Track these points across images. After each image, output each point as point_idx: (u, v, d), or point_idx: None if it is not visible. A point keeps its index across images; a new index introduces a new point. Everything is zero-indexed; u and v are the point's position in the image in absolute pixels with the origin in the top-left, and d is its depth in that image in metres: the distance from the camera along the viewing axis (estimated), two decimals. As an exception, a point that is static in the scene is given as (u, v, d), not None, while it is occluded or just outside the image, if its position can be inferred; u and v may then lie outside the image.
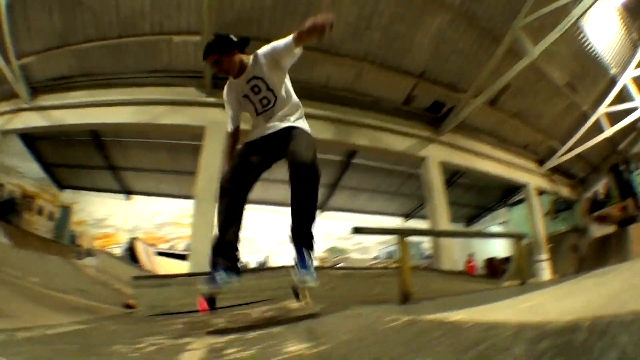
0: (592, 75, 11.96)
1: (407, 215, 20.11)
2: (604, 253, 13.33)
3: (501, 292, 4.97)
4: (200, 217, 9.15)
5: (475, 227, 20.66)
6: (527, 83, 11.24)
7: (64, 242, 17.49)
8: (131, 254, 14.85)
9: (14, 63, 10.12)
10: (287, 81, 3.25)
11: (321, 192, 17.23)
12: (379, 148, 11.65)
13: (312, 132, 3.24)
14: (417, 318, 1.84)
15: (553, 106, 12.75)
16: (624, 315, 0.93)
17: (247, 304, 4.09)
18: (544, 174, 14.82)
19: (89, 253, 15.32)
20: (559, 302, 2.03)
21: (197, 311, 4.18)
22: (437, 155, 11.90)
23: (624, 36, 11.36)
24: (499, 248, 17.35)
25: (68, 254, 14.58)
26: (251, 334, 2.60)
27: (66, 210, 18.39)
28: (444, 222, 11.24)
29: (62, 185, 17.99)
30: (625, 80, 12.26)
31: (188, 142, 12.94)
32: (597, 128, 13.11)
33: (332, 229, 19.40)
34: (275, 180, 15.11)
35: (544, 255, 13.16)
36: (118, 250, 16.83)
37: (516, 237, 7.73)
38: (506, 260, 14.83)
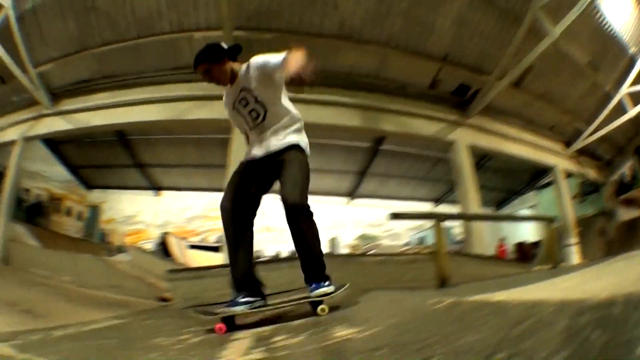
0: (613, 55, 11.66)
1: (437, 200, 19.87)
2: (632, 237, 13.05)
3: (534, 275, 4.94)
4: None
5: (505, 211, 20.35)
6: (550, 64, 11.02)
7: (94, 240, 17.92)
8: (163, 249, 15.16)
9: (31, 72, 10.37)
10: (283, 94, 3.10)
11: (351, 180, 17.37)
12: (407, 133, 11.61)
13: (306, 148, 3.10)
14: (460, 299, 1.89)
15: (576, 87, 12.49)
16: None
17: (282, 292, 4.11)
18: (571, 155, 14.52)
19: (120, 250, 15.60)
20: (592, 282, 2.06)
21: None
22: (465, 139, 11.80)
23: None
24: (529, 232, 17.17)
25: (99, 252, 14.88)
26: (295, 322, 2.63)
27: (95, 209, 18.80)
28: (475, 206, 11.17)
29: (89, 186, 18.35)
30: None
31: (215, 135, 13.06)
32: (620, 109, 12.77)
33: (362, 216, 19.42)
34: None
35: (573, 240, 12.98)
36: (149, 246, 17.18)
37: (547, 220, 7.67)
38: (536, 244, 14.66)
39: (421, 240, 19.53)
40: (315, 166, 14.63)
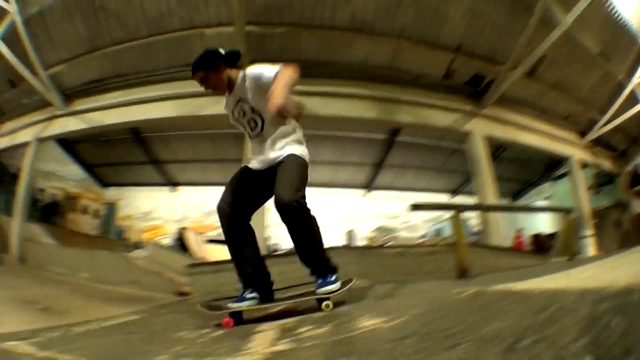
0: (624, 44, 11.53)
1: (454, 192, 19.72)
2: (647, 229, 12.92)
3: (552, 266, 4.93)
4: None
5: (521, 203, 20.08)
6: (562, 53, 10.92)
7: (112, 237, 18.17)
8: (181, 244, 15.32)
9: (41, 74, 10.55)
10: None
11: (367, 172, 17.30)
12: (423, 124, 11.56)
13: (305, 157, 3.02)
14: (483, 289, 1.91)
15: (589, 76, 12.36)
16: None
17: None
18: (586, 146, 14.36)
19: (137, 246, 15.77)
20: (609, 272, 2.06)
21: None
22: (481, 130, 11.74)
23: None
24: (544, 224, 17.04)
25: (116, 248, 15.04)
26: (318, 314, 2.63)
27: (111, 206, 19.04)
28: (492, 197, 11.11)
29: (105, 184, 18.59)
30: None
31: (229, 130, 13.08)
32: (633, 98, 12.63)
33: (379, 208, 19.39)
34: (321, 162, 15.30)
35: (589, 231, 12.84)
36: (167, 241, 17.36)
37: (564, 211, 7.65)
38: (552, 236, 14.56)
39: (438, 232, 19.49)
40: (331, 159, 14.64)
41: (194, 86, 2.84)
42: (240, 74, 3.02)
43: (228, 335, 2.38)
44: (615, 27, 10.95)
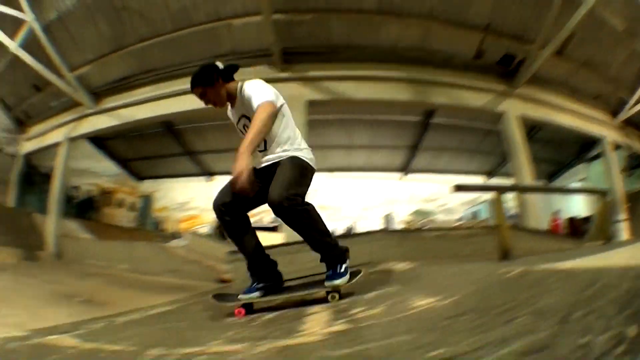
0: None
1: (490, 173, 19.41)
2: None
3: (589, 249, 4.95)
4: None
5: (556, 184, 19.80)
6: (589, 31, 10.72)
7: (149, 228, 18.66)
8: (220, 232, 15.59)
9: (68, 75, 10.88)
10: (282, 121, 3.04)
11: (403, 155, 17.20)
12: (457, 105, 11.57)
13: (306, 158, 3.02)
14: (530, 268, 1.98)
15: (616, 54, 12.10)
16: None
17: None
18: (619, 126, 14.04)
19: (175, 236, 16.17)
20: None
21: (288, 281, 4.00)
22: (514, 110, 11.65)
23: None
24: (579, 207, 16.76)
25: (154, 239, 15.45)
26: (369, 295, 2.69)
27: (147, 199, 19.54)
28: (529, 179, 11.03)
29: (140, 177, 18.94)
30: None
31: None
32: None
33: (416, 192, 19.28)
34: (359, 146, 15.41)
35: (623, 215, 12.59)
36: (205, 230, 17.71)
37: (600, 193, 7.59)
38: (586, 220, 14.34)
39: (475, 215, 19.33)
40: (366, 142, 14.69)
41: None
42: (239, 84, 3.03)
43: (279, 319, 2.45)
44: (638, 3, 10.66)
